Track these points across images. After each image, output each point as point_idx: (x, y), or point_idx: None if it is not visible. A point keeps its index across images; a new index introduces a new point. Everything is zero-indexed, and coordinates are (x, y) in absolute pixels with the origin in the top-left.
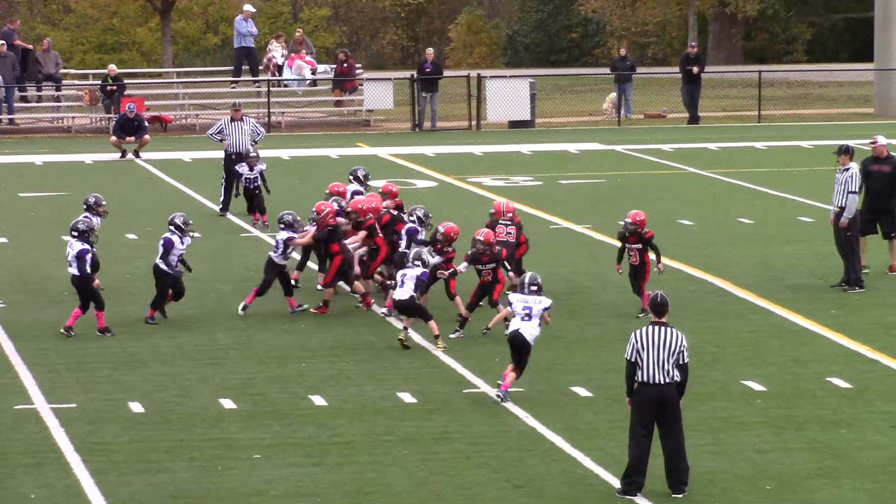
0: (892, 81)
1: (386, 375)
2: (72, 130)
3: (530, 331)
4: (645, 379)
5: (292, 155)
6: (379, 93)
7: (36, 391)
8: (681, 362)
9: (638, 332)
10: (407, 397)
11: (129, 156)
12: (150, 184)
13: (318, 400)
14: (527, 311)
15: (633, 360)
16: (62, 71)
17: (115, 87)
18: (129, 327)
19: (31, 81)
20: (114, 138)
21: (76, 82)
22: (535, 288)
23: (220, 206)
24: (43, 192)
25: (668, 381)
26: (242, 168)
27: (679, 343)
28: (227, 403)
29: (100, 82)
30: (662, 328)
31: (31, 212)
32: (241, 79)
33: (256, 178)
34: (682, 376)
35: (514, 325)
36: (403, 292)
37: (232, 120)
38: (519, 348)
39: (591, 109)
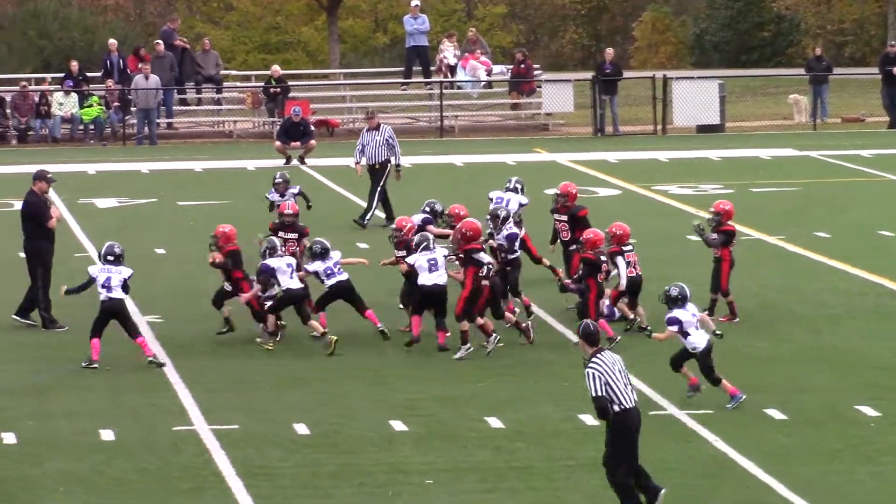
0: None
1: (565, 396)
2: (233, 135)
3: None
4: (625, 405)
5: (466, 161)
6: (558, 95)
7: (195, 411)
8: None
9: (595, 366)
10: (588, 419)
11: (294, 162)
12: (316, 192)
13: (495, 422)
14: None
15: (605, 394)
16: (223, 72)
17: (278, 90)
18: (289, 344)
19: (190, 83)
20: (278, 144)
21: (238, 84)
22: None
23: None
24: (202, 201)
25: (635, 399)
26: (273, 195)
27: (618, 360)
28: (398, 425)
29: (263, 84)
30: (607, 353)
31: (191, 221)
32: (413, 80)
33: (289, 203)
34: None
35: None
36: (438, 276)
37: (368, 129)
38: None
39: (785, 112)
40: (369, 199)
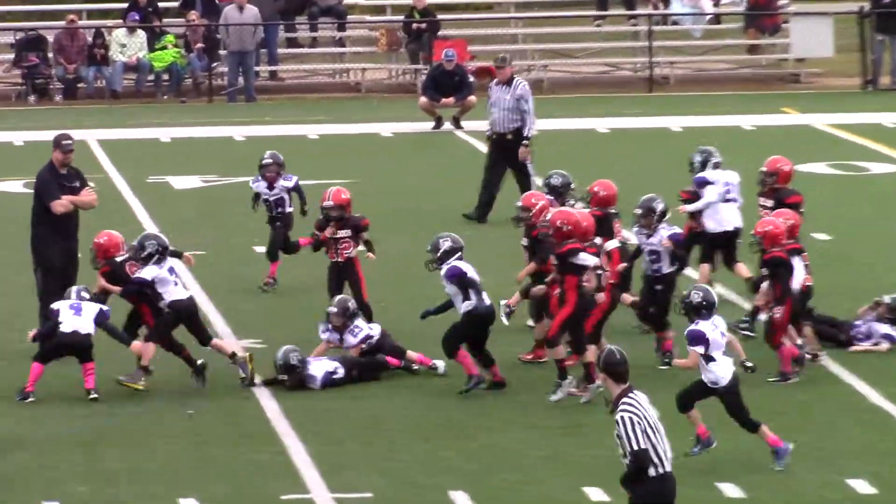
0: None
1: None
2: (361, 88)
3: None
4: (662, 468)
5: (685, 125)
6: (813, 34)
7: (311, 472)
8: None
9: (629, 408)
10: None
11: (447, 125)
12: (474, 164)
13: (731, 489)
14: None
15: (646, 446)
16: (347, 1)
17: (424, 26)
18: (429, 379)
19: (301, 17)
20: (424, 100)
21: (367, 18)
22: None
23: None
24: (318, 179)
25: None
26: (258, 185)
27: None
28: (594, 493)
29: (402, 18)
30: (640, 395)
31: (305, 207)
32: (610, 13)
33: (282, 198)
34: None
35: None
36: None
37: (497, 82)
38: None
39: None
40: (521, 184)
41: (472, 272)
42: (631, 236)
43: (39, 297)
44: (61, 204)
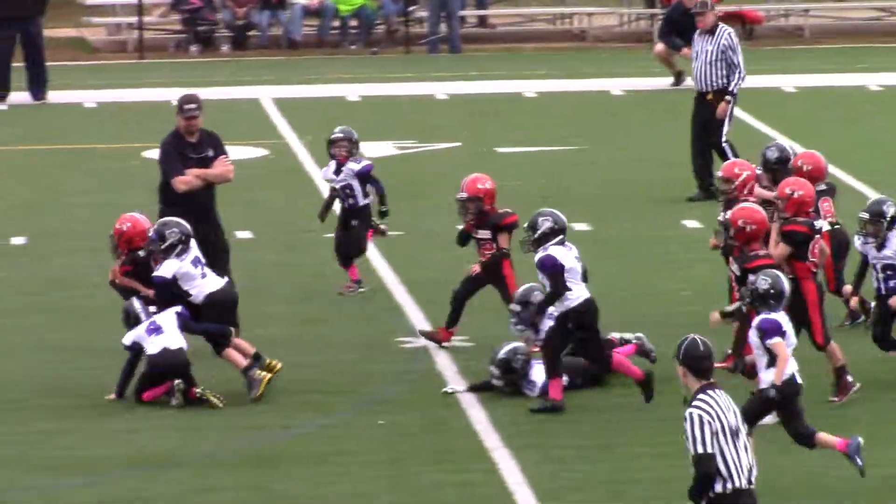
0: None
1: None
2: (585, 37)
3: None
4: (737, 482)
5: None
6: None
7: (527, 496)
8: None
9: (702, 406)
10: None
11: (688, 80)
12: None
13: None
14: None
15: (712, 451)
16: None
17: None
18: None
19: None
20: (660, 47)
21: None
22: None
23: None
24: (533, 146)
25: (753, 481)
26: (326, 170)
27: (736, 410)
28: None
29: None
30: (722, 394)
31: (517, 181)
32: None
33: (349, 185)
34: None
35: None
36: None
37: (700, 32)
38: None
39: None
40: (720, 156)
41: (571, 261)
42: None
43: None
44: (183, 181)
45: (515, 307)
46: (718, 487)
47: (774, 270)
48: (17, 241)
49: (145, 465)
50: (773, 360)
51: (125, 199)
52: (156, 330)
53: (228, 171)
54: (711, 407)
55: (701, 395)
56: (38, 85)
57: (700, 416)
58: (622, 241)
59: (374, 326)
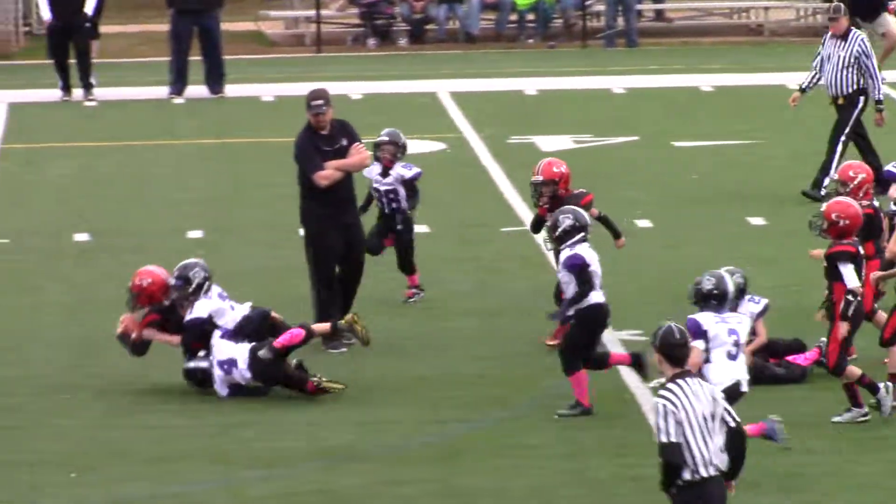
0: None
1: None
2: (763, 31)
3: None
4: (703, 472)
5: None
6: None
7: None
8: (732, 425)
9: (670, 396)
10: None
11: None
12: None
13: None
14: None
15: (676, 440)
16: None
17: None
18: None
19: None
20: None
21: None
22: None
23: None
24: (713, 140)
25: (724, 468)
26: (370, 170)
27: (718, 398)
28: None
29: None
30: (696, 383)
31: (693, 174)
32: None
33: (395, 190)
34: (733, 449)
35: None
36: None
37: (831, 36)
38: None
39: None
40: (828, 155)
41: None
42: None
43: (312, 285)
44: (324, 175)
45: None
46: (686, 475)
47: (721, 271)
48: (194, 234)
49: (326, 457)
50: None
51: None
52: (230, 363)
53: (365, 158)
54: (678, 397)
55: (670, 385)
56: (215, 79)
57: (665, 406)
58: (799, 234)
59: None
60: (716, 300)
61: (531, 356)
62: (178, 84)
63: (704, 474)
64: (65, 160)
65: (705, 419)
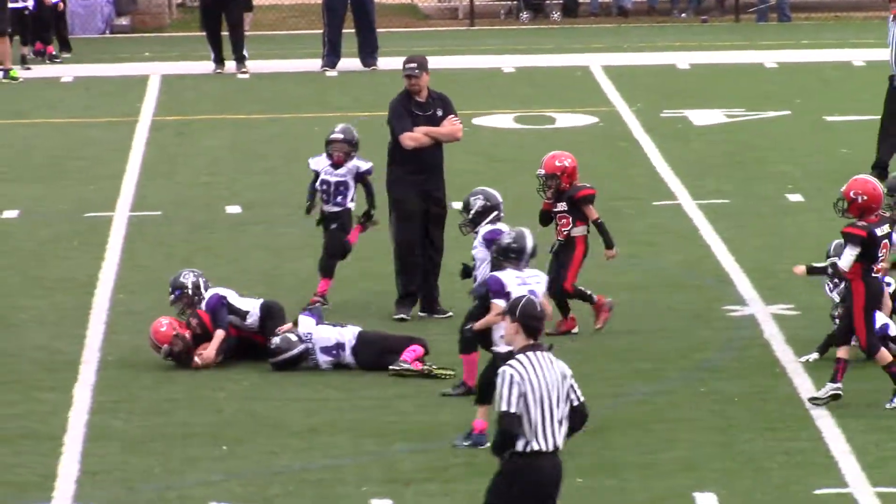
0: None
1: None
2: None
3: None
4: (539, 446)
5: None
6: None
7: (851, 464)
8: (575, 403)
9: (516, 367)
10: None
11: None
12: None
13: None
14: None
15: (516, 411)
16: None
17: None
18: None
19: None
20: None
21: None
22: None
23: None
24: (862, 115)
25: (560, 444)
26: (319, 164)
27: (567, 375)
28: None
29: None
30: (546, 358)
31: (843, 148)
32: None
33: (345, 183)
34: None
35: None
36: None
37: (894, 18)
38: None
39: None
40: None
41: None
42: None
43: (394, 250)
44: (411, 137)
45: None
46: (520, 446)
47: (523, 228)
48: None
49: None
50: None
51: (455, 164)
52: (337, 347)
53: (457, 131)
54: (526, 369)
55: (520, 356)
56: (368, 52)
57: (511, 376)
58: None
59: (701, 294)
60: (514, 254)
61: (681, 330)
62: (332, 57)
63: (536, 447)
64: (216, 132)
65: (549, 394)
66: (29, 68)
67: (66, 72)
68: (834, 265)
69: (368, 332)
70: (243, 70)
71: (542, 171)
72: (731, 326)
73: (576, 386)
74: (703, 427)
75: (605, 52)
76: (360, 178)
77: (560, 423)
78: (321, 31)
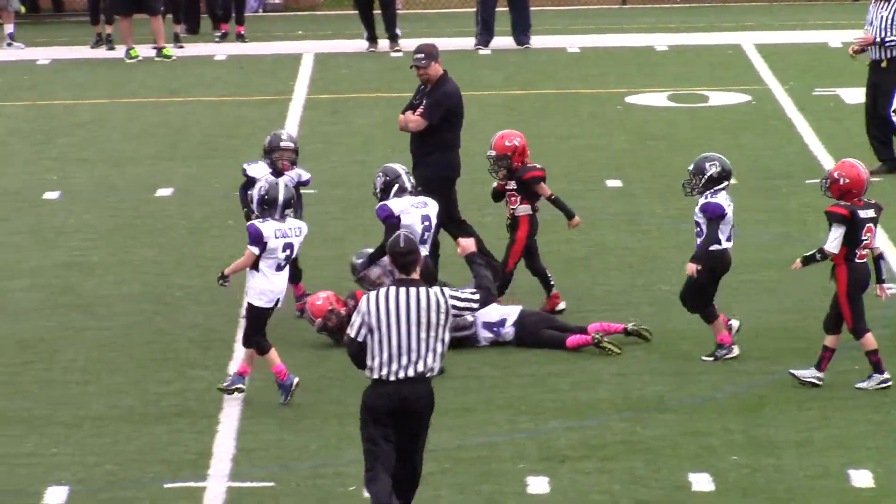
0: None
1: None
2: None
3: None
4: (381, 374)
5: None
6: None
7: None
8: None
9: (376, 298)
10: None
11: None
12: None
13: None
14: None
15: (356, 337)
16: None
17: None
18: None
19: None
20: None
21: None
22: None
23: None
24: None
25: (416, 373)
26: (258, 171)
27: (441, 307)
28: None
29: None
30: (414, 291)
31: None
32: None
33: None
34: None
35: None
36: None
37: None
38: None
39: None
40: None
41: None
42: None
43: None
44: (406, 119)
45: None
46: (367, 372)
47: (277, 179)
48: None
49: (634, 409)
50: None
51: (608, 142)
52: (499, 324)
53: (402, 119)
54: (378, 302)
55: (383, 289)
56: (521, 30)
57: (364, 306)
58: None
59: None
60: (268, 206)
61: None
62: (485, 35)
63: (376, 375)
64: (370, 111)
65: (406, 327)
66: (182, 46)
67: (219, 50)
68: (821, 250)
69: (531, 311)
70: (396, 48)
71: (492, 153)
72: (884, 304)
73: (461, 302)
74: (856, 405)
75: (757, 30)
76: (298, 187)
77: (418, 352)
78: (474, 9)
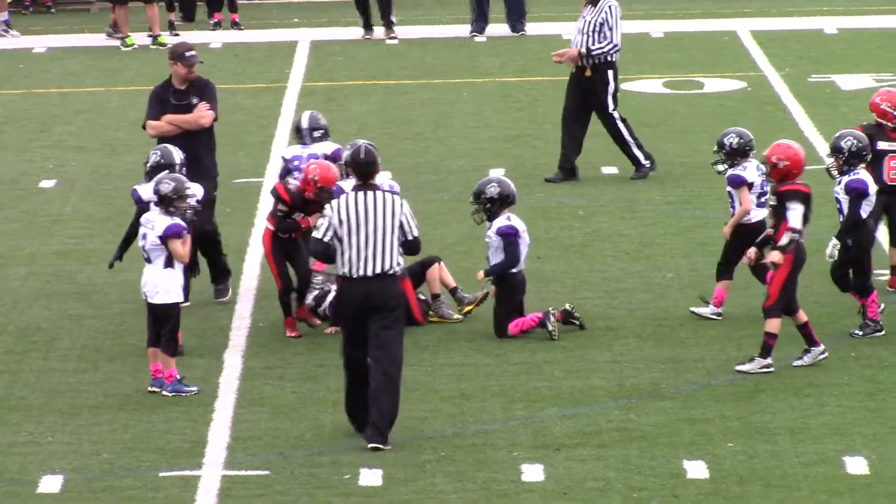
0: None
1: None
2: None
3: None
4: (351, 271)
5: None
6: None
7: None
8: (409, 237)
9: (341, 203)
10: None
11: None
12: None
13: None
14: None
15: (322, 237)
16: None
17: None
18: None
19: None
20: None
21: None
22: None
23: None
24: None
25: (379, 271)
26: (145, 188)
27: (395, 212)
28: None
29: None
30: (371, 194)
31: None
32: None
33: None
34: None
35: None
36: None
37: None
38: None
39: None
40: None
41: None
42: None
43: None
44: (153, 126)
45: None
46: (340, 270)
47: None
48: (495, 171)
49: (629, 396)
50: None
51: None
52: None
53: (200, 117)
54: (345, 206)
55: (348, 193)
56: (517, 17)
57: (332, 209)
58: None
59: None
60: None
61: (832, 295)
62: (480, 22)
63: (346, 272)
64: (365, 98)
65: (364, 227)
66: (177, 34)
67: (214, 38)
68: (794, 230)
69: None
70: (392, 36)
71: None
72: (881, 291)
73: (409, 221)
74: (852, 392)
75: (753, 16)
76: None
77: (381, 251)
78: None
